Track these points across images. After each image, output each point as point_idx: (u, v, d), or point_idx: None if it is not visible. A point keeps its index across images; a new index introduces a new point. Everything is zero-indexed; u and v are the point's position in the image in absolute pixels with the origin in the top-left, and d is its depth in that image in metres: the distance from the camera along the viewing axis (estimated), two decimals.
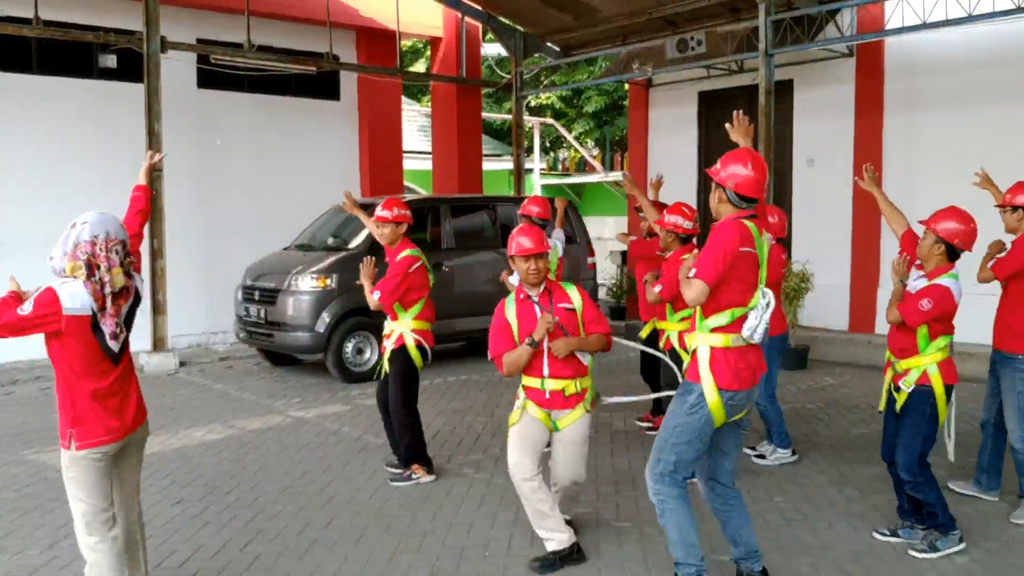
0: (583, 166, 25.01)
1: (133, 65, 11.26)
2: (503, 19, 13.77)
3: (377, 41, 13.70)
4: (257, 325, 9.81)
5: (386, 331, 6.05)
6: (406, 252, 5.94)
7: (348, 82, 13.77)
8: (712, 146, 13.23)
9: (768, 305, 3.81)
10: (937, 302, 4.47)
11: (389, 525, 5.20)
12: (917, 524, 4.78)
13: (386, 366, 6.03)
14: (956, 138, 10.14)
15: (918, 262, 4.74)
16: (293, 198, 12.81)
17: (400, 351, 5.94)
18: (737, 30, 11.30)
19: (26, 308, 3.41)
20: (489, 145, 21.18)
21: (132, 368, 3.75)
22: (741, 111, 4.37)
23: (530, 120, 22.32)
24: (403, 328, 5.93)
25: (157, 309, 10.74)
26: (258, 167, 12.86)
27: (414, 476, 5.99)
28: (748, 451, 6.45)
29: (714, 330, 3.84)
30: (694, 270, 3.77)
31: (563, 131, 24.07)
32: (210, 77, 12.33)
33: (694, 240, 6.09)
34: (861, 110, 11.19)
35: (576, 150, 24.69)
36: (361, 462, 6.43)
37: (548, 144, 26.24)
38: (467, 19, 13.76)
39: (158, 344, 10.69)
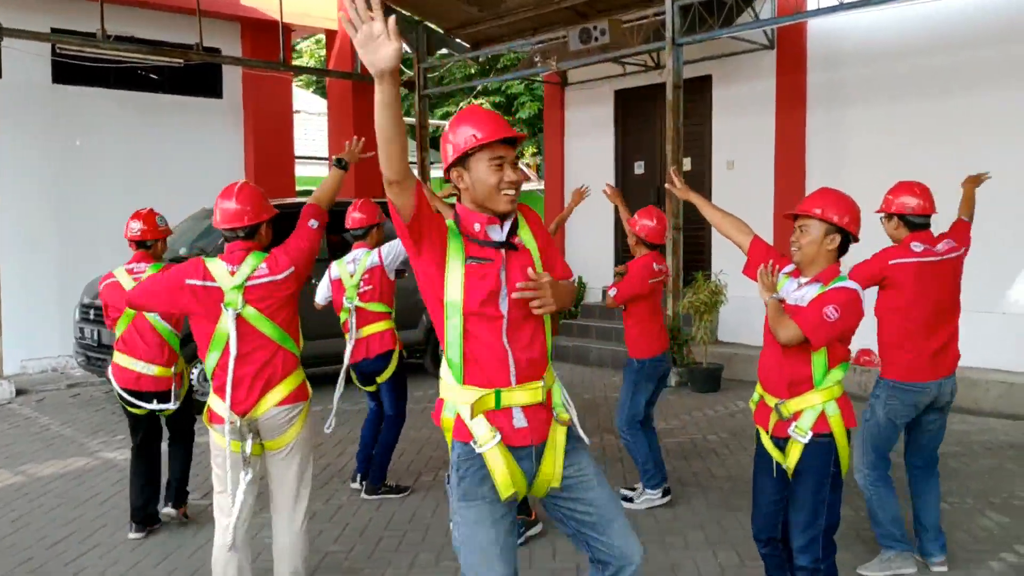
0: None
1: None
2: (402, 11, 12.64)
3: (265, 33, 12.51)
4: (91, 348, 8.56)
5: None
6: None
7: (232, 78, 12.55)
8: (629, 146, 12.26)
9: None
10: (846, 309, 3.27)
11: None
12: None
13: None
14: (883, 133, 9.20)
15: (787, 268, 3.64)
16: (168, 204, 11.36)
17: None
18: (646, 16, 10.31)
19: None
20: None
21: None
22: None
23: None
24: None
25: None
26: (127, 171, 11.57)
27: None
28: (624, 491, 5.42)
29: None
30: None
31: None
32: (68, 71, 11.07)
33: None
34: (782, 105, 10.24)
35: None
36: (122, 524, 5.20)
37: None
38: None
39: None
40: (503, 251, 2.64)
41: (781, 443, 3.44)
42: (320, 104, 20.09)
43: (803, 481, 3.37)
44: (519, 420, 2.63)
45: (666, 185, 4.45)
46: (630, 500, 5.34)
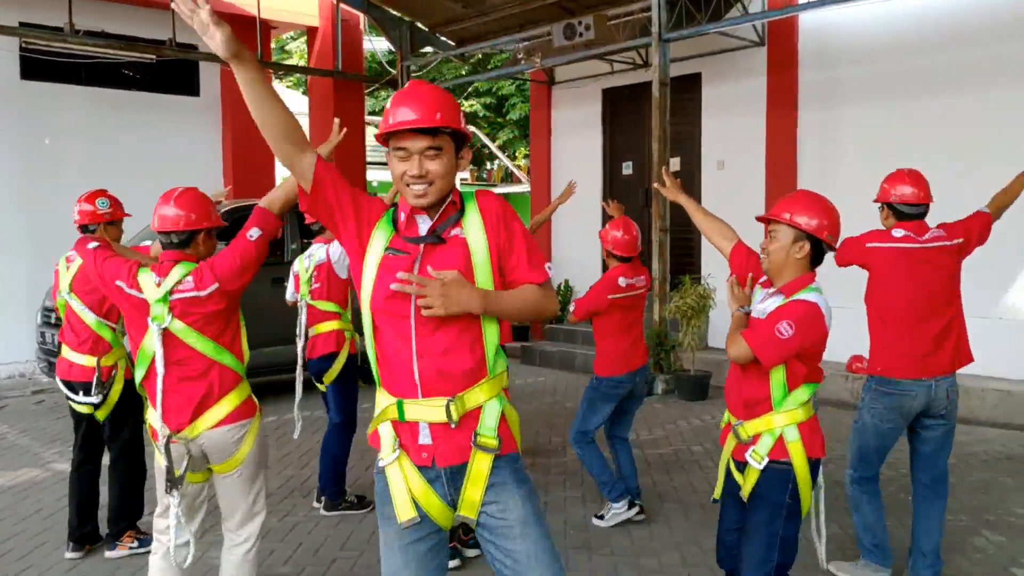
0: (510, 176, 23.84)
1: None
2: (387, 8, 12.34)
3: (243, 30, 12.06)
4: (52, 354, 8.22)
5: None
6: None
7: (209, 75, 12.22)
8: (617, 146, 11.96)
9: None
10: (801, 325, 2.92)
11: None
12: None
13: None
14: (877, 132, 8.91)
15: (762, 279, 3.33)
16: (142, 205, 11.09)
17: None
18: (632, 12, 10.01)
19: None
20: None
21: None
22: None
23: None
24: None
25: None
26: (99, 170, 11.20)
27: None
28: (595, 520, 5.09)
29: None
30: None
31: (486, 140, 22.80)
32: (37, 67, 10.74)
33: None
34: (773, 104, 9.95)
35: (501, 161, 23.47)
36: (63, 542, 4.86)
37: (474, 154, 24.94)
38: (344, 7, 12.32)
39: None
40: (421, 245, 2.33)
41: (742, 467, 3.14)
42: (305, 103, 19.79)
43: (756, 510, 3.06)
44: (424, 437, 2.32)
45: (654, 185, 4.22)
46: (601, 518, 5.04)
